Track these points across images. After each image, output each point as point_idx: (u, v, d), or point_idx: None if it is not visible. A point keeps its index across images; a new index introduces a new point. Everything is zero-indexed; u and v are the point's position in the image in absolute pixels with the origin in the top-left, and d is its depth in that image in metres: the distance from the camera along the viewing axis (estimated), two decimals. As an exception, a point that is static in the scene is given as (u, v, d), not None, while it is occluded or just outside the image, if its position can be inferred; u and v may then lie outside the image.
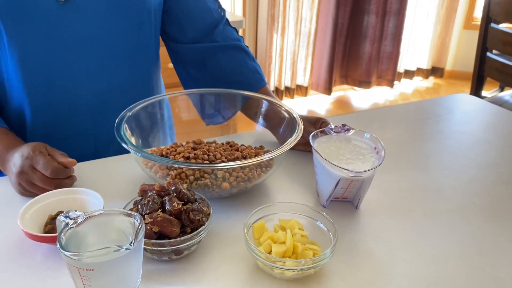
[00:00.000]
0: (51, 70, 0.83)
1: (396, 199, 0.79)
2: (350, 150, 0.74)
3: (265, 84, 1.00)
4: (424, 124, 1.10)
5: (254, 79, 0.99)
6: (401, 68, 3.69)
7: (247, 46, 1.03)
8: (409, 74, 3.80)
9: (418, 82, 3.88)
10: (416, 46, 3.70)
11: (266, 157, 0.70)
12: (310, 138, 0.74)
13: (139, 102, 0.82)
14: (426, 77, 3.87)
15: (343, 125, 0.78)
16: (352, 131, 0.78)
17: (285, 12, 3.06)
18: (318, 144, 0.75)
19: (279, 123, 0.87)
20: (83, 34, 0.82)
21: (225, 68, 0.99)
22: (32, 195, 0.71)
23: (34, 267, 0.62)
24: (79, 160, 0.78)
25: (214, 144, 0.84)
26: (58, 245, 0.51)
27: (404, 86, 3.79)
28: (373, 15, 3.33)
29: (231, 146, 0.85)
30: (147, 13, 0.89)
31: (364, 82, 3.52)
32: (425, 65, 3.81)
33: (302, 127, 0.77)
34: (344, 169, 0.68)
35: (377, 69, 3.52)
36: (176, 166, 0.71)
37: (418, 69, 3.83)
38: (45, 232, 0.65)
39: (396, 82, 3.65)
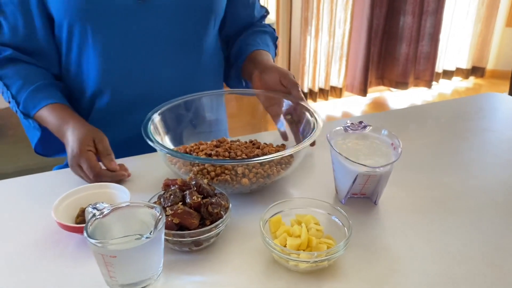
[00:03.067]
0: (128, 61, 0.92)
1: (416, 197, 0.79)
2: (367, 147, 0.75)
3: (263, 49, 1.04)
4: (452, 123, 1.09)
5: (257, 43, 1.04)
6: (439, 68, 3.61)
7: (273, 30, 1.13)
8: (447, 74, 3.71)
9: (458, 83, 3.77)
10: (455, 45, 3.61)
11: (286, 152, 0.72)
12: (327, 135, 0.75)
13: (167, 102, 0.87)
14: (466, 77, 3.77)
15: (360, 122, 0.79)
16: (369, 128, 0.79)
17: (318, 15, 3.06)
18: (335, 141, 0.76)
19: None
20: (156, 30, 0.92)
21: (239, 40, 1.07)
22: None
23: (67, 256, 0.66)
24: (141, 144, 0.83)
25: (237, 142, 0.87)
26: (84, 233, 0.56)
27: (443, 87, 3.70)
28: (410, 15, 3.27)
29: (253, 144, 0.87)
30: (213, 16, 0.98)
31: (401, 83, 3.47)
32: (465, 64, 3.71)
33: (321, 126, 0.79)
34: (361, 164, 0.69)
35: (414, 69, 3.46)
36: (197, 162, 0.74)
37: (458, 69, 3.73)
38: (77, 223, 0.70)
39: (434, 83, 3.57)
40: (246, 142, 0.88)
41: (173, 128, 0.88)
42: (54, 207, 0.69)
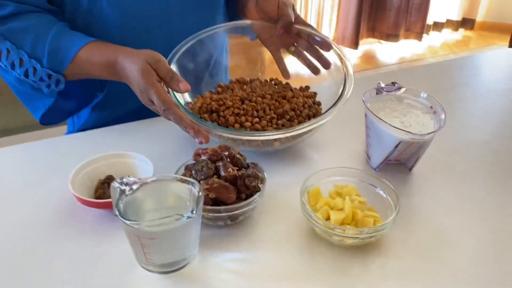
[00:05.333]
0: (145, 16, 0.83)
1: (452, 161, 0.76)
2: (404, 110, 0.70)
3: None
4: (472, 81, 1.05)
5: None
6: (430, 20, 3.54)
7: None
8: (438, 26, 3.65)
9: (447, 35, 3.73)
10: (447, -4, 3.54)
11: (317, 124, 0.67)
12: (363, 98, 0.70)
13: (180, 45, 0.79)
14: (456, 29, 3.72)
15: (393, 83, 0.74)
16: (403, 89, 0.74)
17: (310, -38, 2.92)
18: (371, 104, 0.71)
19: None
20: None
21: None
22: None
23: (87, 233, 0.60)
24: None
25: (256, 81, 0.83)
26: (117, 213, 0.50)
27: (433, 39, 3.65)
28: (403, -37, 3.16)
29: (275, 84, 0.83)
30: None
31: (391, 35, 3.40)
32: (456, 16, 3.65)
33: (353, 78, 0.74)
34: (407, 131, 0.64)
35: (405, 21, 3.38)
36: (227, 136, 0.68)
37: (448, 21, 3.68)
38: (96, 197, 0.64)
39: (424, 35, 3.51)
40: (266, 81, 0.84)
41: (191, 73, 0.80)
42: (71, 179, 0.62)
